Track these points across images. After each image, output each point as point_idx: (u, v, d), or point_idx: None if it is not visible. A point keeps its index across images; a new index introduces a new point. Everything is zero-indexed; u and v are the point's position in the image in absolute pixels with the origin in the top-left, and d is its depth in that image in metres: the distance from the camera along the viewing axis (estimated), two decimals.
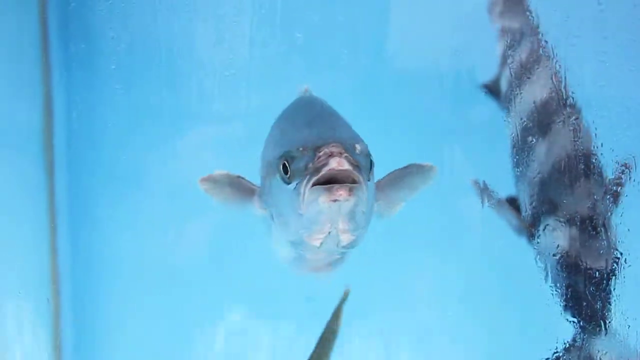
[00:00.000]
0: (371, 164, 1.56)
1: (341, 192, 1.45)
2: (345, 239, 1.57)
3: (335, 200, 1.46)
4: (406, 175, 1.75)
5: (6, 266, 2.83)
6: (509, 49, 2.19)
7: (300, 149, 1.51)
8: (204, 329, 3.06)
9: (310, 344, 3.09)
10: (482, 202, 2.30)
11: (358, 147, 1.52)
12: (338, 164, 1.46)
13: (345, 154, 1.46)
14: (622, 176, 1.97)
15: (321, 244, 1.58)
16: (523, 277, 2.35)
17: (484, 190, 2.30)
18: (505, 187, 2.31)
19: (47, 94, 3.09)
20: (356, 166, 1.47)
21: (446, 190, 2.24)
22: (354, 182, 1.47)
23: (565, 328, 2.10)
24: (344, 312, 2.93)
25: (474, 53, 2.45)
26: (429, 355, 2.86)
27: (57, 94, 3.03)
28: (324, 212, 1.49)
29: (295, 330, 3.07)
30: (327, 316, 3.06)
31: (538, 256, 2.15)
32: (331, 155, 1.46)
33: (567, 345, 2.09)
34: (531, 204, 2.17)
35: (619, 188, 1.98)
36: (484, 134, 2.54)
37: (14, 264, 2.91)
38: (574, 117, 2.03)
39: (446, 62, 2.51)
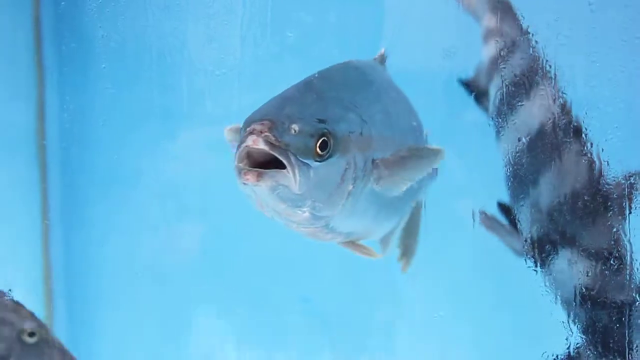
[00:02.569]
0: (325, 144, 1.54)
1: (248, 177, 1.47)
2: (289, 216, 1.59)
3: (244, 184, 1.48)
4: (413, 155, 1.74)
5: None
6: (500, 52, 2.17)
7: (244, 123, 1.53)
8: (196, 330, 3.06)
9: (304, 345, 3.09)
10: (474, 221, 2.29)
11: (296, 127, 1.51)
12: (253, 142, 1.46)
13: (266, 133, 1.47)
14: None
15: (272, 216, 1.61)
16: (514, 278, 2.34)
17: (485, 219, 2.28)
18: (498, 189, 2.30)
19: (40, 95, 3.09)
20: (277, 147, 1.47)
21: (438, 191, 2.23)
22: (277, 162, 1.47)
23: (556, 329, 2.09)
24: (334, 313, 2.93)
25: (466, 54, 2.44)
26: (419, 355, 2.85)
27: (49, 95, 3.03)
28: (244, 190, 1.52)
29: (290, 331, 3.07)
30: (323, 316, 3.06)
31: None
32: (252, 132, 1.47)
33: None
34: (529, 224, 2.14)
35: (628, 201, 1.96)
36: (476, 135, 2.53)
37: (6, 264, 2.91)
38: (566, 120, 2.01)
39: (438, 63, 2.51)
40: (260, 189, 1.49)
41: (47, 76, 3.01)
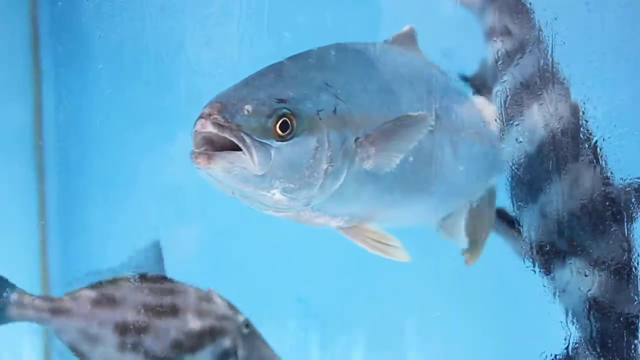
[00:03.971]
0: (287, 124, 1.53)
1: (199, 160, 1.46)
2: (260, 200, 1.57)
3: (198, 168, 1.47)
4: (399, 127, 1.68)
5: None
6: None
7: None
8: None
9: (300, 345, 3.08)
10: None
11: (249, 107, 1.50)
12: (202, 126, 1.46)
13: (215, 116, 1.46)
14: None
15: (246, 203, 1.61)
16: (516, 278, 2.34)
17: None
18: (499, 190, 2.30)
19: (37, 96, 3.09)
20: (226, 128, 1.46)
21: None
22: (233, 145, 1.47)
23: (557, 330, 2.09)
24: (330, 313, 2.92)
25: (464, 54, 2.44)
26: (417, 355, 2.85)
27: (46, 96, 3.03)
28: (203, 175, 1.52)
29: (286, 331, 3.07)
30: (319, 317, 3.06)
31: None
32: (201, 116, 1.47)
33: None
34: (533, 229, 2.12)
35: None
36: None
37: (3, 266, 2.90)
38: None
39: (436, 63, 2.51)
40: (214, 172, 1.48)
41: (44, 77, 3.01)
